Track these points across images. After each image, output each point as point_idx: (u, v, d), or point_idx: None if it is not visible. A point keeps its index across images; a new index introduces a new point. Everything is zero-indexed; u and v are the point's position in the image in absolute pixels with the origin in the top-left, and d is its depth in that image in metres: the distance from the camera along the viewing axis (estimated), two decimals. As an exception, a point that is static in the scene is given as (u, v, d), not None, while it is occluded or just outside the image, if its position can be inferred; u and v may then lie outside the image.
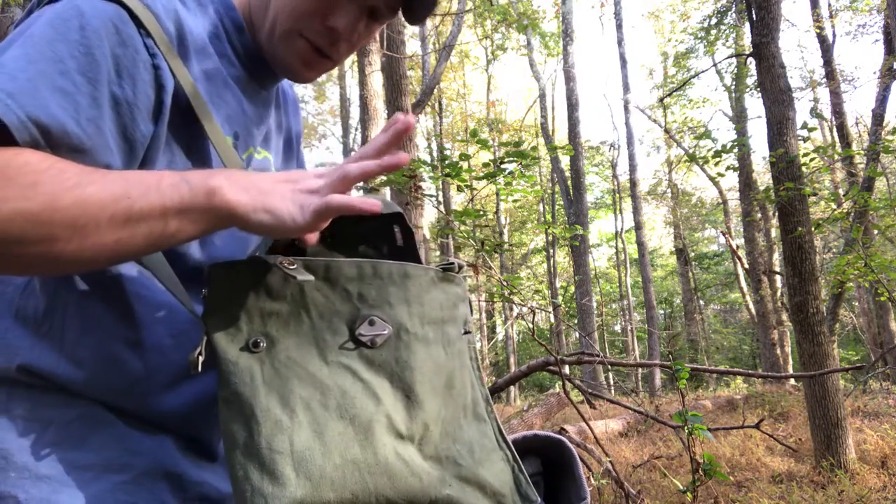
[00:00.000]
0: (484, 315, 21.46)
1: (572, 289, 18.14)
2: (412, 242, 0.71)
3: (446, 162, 3.87)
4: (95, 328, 0.65)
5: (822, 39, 11.02)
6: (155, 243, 0.54)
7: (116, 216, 0.51)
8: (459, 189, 4.00)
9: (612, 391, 13.89)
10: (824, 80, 11.33)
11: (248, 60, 0.77)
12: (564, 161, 16.02)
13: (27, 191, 0.50)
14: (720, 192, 17.87)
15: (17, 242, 0.49)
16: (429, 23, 13.71)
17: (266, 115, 0.82)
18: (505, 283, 4.13)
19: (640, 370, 15.84)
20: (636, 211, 16.08)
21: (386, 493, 0.54)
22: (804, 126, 5.25)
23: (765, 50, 5.04)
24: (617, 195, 20.86)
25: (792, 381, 10.68)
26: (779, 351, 12.44)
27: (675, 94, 16.83)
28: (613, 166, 21.35)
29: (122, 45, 0.60)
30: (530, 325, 3.93)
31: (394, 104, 5.57)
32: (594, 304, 14.21)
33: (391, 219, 0.69)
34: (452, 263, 0.70)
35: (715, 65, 12.78)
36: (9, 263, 0.51)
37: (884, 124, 8.71)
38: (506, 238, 21.80)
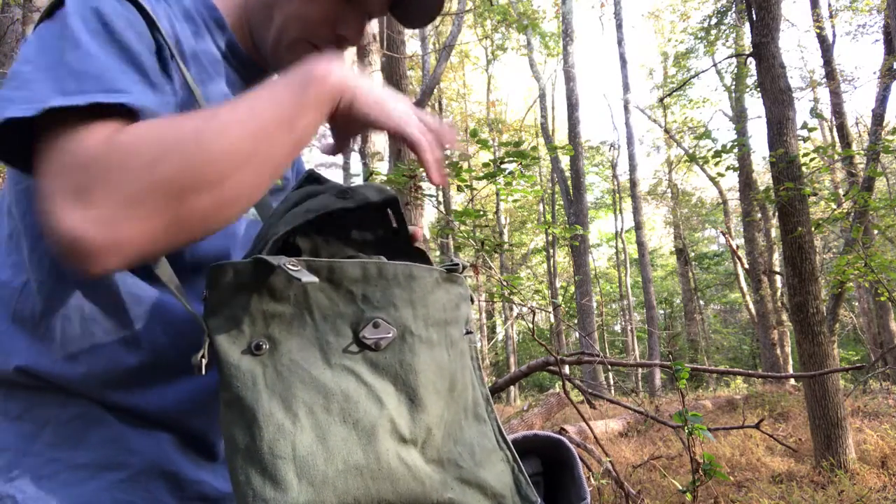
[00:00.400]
0: (484, 315, 21.47)
1: (572, 289, 18.14)
2: (405, 226, 0.71)
3: (446, 162, 3.86)
4: (92, 328, 0.65)
5: (822, 39, 11.02)
6: (294, 147, 0.57)
7: (257, 134, 0.54)
8: (459, 189, 4.00)
9: (612, 391, 13.89)
10: (824, 80, 11.33)
11: (234, 58, 0.78)
12: (564, 161, 16.02)
13: (175, 145, 0.51)
14: (720, 192, 17.87)
15: (194, 191, 0.51)
16: (429, 23, 13.70)
17: None
18: (505, 283, 4.13)
19: (640, 370, 15.85)
20: (636, 211, 16.08)
21: (388, 498, 0.54)
22: (804, 126, 5.25)
23: (765, 50, 5.04)
24: (617, 195, 20.86)
25: (792, 381, 10.68)
26: (779, 351, 12.44)
27: (675, 94, 16.83)
28: (613, 166, 21.35)
29: (139, 40, 0.62)
30: (530, 325, 3.93)
31: (394, 104, 5.56)
32: (594, 304, 14.21)
33: (384, 204, 0.69)
34: (457, 264, 0.70)
35: (715, 65, 12.78)
36: (191, 220, 0.52)
37: (884, 124, 8.71)
38: (506, 238, 21.80)
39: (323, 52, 0.76)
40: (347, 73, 0.60)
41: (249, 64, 0.79)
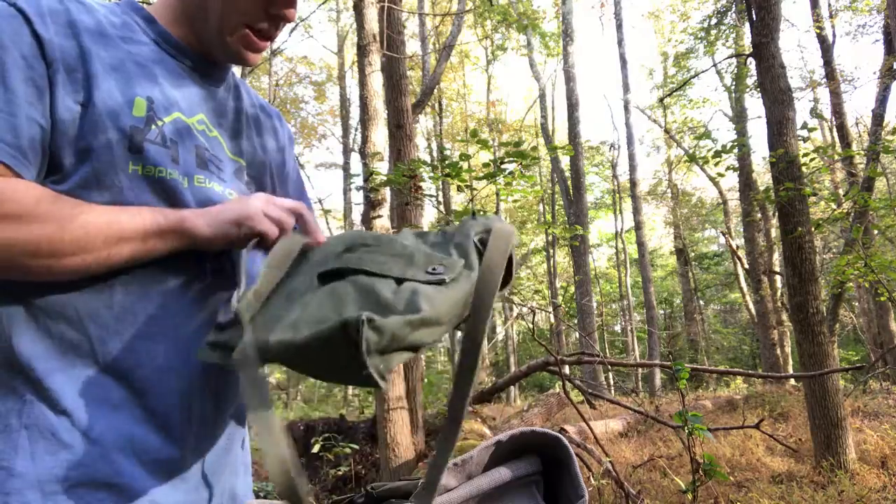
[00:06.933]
0: (484, 315, 21.37)
1: (572, 289, 18.12)
2: None
3: (446, 162, 3.87)
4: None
5: (822, 39, 11.01)
6: (134, 257, 0.70)
7: (110, 237, 0.68)
8: (459, 189, 4.00)
9: (612, 391, 13.88)
10: (824, 80, 11.32)
11: (170, 47, 0.82)
12: (564, 161, 16.01)
13: (41, 220, 0.65)
14: (720, 192, 17.85)
15: (33, 256, 0.65)
16: (429, 23, 13.71)
17: (207, 95, 0.85)
18: (505, 283, 4.11)
19: (640, 370, 15.84)
20: (636, 211, 16.08)
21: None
22: (804, 126, 5.25)
23: (765, 50, 5.04)
24: (617, 195, 20.84)
25: (792, 381, 10.67)
26: (779, 351, 12.42)
27: (675, 94, 16.81)
28: (613, 166, 21.34)
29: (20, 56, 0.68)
30: (530, 325, 3.93)
31: (394, 104, 5.56)
32: (594, 304, 14.21)
33: None
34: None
35: (715, 65, 12.77)
36: (19, 270, 0.65)
37: (884, 124, 8.69)
38: (506, 238, 21.72)
39: (261, 32, 0.81)
40: (197, 222, 0.73)
41: (187, 52, 0.83)
